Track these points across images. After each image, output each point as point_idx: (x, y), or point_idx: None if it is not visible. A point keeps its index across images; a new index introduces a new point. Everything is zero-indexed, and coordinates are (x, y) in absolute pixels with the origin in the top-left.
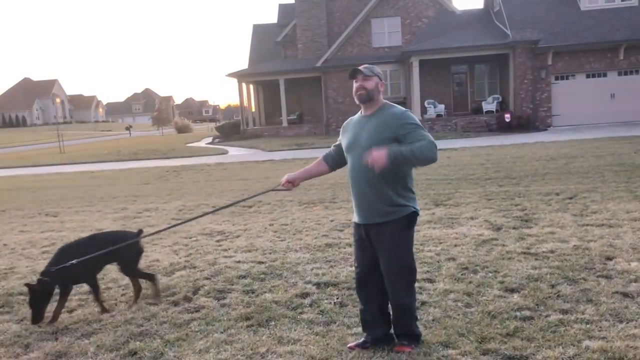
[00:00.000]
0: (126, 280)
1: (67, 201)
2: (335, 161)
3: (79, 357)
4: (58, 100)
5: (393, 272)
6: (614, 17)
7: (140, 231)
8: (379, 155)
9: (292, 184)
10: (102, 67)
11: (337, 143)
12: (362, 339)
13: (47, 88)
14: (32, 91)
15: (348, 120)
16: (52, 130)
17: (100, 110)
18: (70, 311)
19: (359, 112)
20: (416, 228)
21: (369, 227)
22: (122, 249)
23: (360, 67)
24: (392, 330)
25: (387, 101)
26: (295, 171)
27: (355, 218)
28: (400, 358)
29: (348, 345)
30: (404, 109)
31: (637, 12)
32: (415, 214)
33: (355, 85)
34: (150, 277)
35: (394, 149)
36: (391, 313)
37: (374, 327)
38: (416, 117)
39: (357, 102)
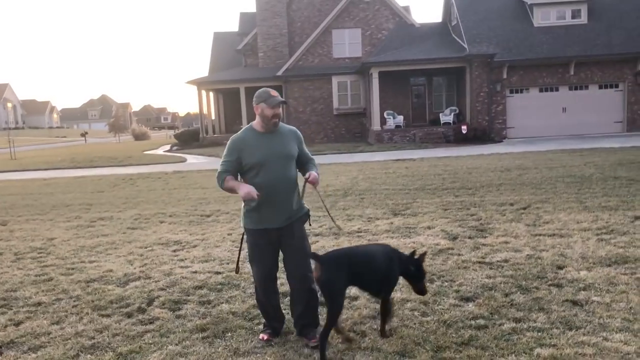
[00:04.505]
0: (78, 291)
1: (16, 209)
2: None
3: None
4: (10, 105)
5: (304, 260)
6: (565, 33)
7: None
8: (315, 178)
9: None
10: (57, 72)
11: (231, 160)
12: (268, 330)
13: None
14: None
15: (239, 139)
16: (3, 137)
17: (55, 116)
18: (17, 324)
19: (246, 130)
20: (374, 238)
21: (282, 229)
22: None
23: (279, 98)
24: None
25: None
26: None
27: (265, 225)
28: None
29: (260, 337)
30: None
31: (586, 30)
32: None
33: (272, 112)
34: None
35: (314, 170)
36: (299, 305)
37: (276, 319)
38: None
39: (270, 127)
